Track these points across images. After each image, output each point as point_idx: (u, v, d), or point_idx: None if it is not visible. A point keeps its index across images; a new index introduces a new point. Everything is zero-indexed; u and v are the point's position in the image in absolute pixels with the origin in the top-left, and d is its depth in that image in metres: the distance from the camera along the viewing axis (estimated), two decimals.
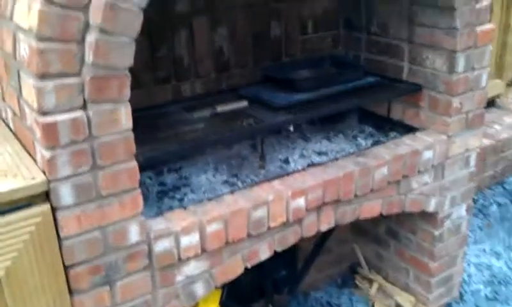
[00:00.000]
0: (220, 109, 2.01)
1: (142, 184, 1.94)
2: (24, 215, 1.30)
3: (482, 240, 3.14)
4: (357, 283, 2.77)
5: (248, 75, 2.29)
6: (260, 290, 2.39)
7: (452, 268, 2.52)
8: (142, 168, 1.97)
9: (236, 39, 2.23)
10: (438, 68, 2.12)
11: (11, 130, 1.62)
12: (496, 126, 3.75)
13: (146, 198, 1.86)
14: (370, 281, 2.73)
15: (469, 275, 2.82)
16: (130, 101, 1.80)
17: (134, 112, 1.83)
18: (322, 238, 2.42)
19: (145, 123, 1.85)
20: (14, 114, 1.53)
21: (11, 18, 1.40)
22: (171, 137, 1.76)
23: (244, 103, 2.06)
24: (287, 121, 1.95)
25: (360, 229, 2.75)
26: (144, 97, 2.04)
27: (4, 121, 1.70)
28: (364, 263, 2.79)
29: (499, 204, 3.47)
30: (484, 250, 3.04)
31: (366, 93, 2.20)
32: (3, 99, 1.64)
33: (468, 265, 2.91)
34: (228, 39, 2.21)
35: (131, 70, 1.98)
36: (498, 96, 4.01)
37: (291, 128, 2.03)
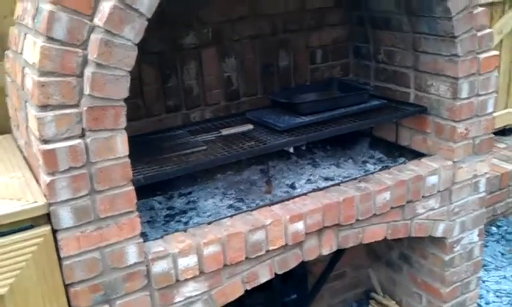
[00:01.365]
0: (225, 132, 2.09)
1: (151, 208, 2.06)
2: (27, 236, 1.40)
3: (504, 266, 3.09)
4: None
5: (257, 103, 2.37)
6: None
7: (465, 294, 2.50)
8: (151, 192, 2.11)
9: (244, 70, 2.32)
10: (442, 94, 2.15)
11: (24, 157, 1.74)
12: None
13: (153, 222, 1.97)
14: (384, 306, 2.73)
15: (487, 303, 2.78)
16: (143, 129, 1.91)
17: (141, 136, 1.94)
18: (332, 261, 2.45)
19: (150, 145, 1.98)
20: (25, 142, 1.65)
21: (21, 53, 1.54)
22: (173, 158, 1.84)
23: (249, 127, 2.13)
24: (287, 143, 1.99)
25: (375, 254, 2.76)
26: (156, 125, 2.15)
27: (19, 148, 1.83)
28: (379, 288, 2.80)
29: None
30: (505, 277, 2.99)
31: (370, 115, 2.22)
32: (18, 128, 1.77)
33: (487, 291, 2.87)
34: (237, 69, 2.30)
35: (143, 100, 2.12)
36: None
37: (291, 150, 2.08)
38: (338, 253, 2.49)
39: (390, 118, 2.25)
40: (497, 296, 2.83)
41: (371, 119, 2.20)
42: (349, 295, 2.82)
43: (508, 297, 2.82)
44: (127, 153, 1.49)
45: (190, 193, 2.20)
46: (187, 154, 1.87)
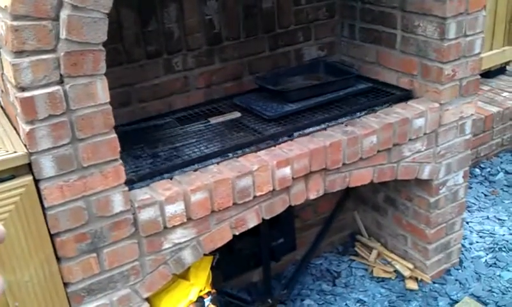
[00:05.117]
0: (213, 121, 2.09)
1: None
2: (8, 187, 1.37)
3: (487, 207, 3.13)
4: (357, 250, 2.81)
5: (240, 47, 2.31)
6: (257, 257, 2.45)
7: (450, 235, 2.54)
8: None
9: (227, 12, 2.24)
10: (430, 35, 2.11)
11: (1, 107, 1.69)
12: (505, 94, 3.70)
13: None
14: (370, 249, 2.76)
15: (471, 243, 2.83)
16: (124, 76, 1.87)
17: (127, 125, 1.97)
18: (338, 205, 2.50)
19: (140, 137, 2.00)
20: (1, 91, 1.59)
21: None
22: (167, 152, 1.91)
23: (237, 114, 2.14)
24: (278, 134, 1.98)
25: (360, 197, 2.78)
26: (137, 72, 2.09)
27: None
28: (364, 231, 2.83)
29: (506, 172, 3.45)
30: (488, 217, 3.04)
31: (357, 101, 2.23)
32: None
33: (471, 232, 2.92)
34: (219, 11, 2.22)
35: (123, 45, 2.05)
36: (508, 63, 3.94)
37: None
38: (344, 197, 2.52)
39: (379, 103, 2.21)
40: (480, 236, 2.88)
41: (359, 106, 2.19)
42: (335, 238, 2.85)
43: (491, 237, 2.88)
44: (107, 99, 1.44)
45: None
46: (180, 147, 1.92)
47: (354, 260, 2.77)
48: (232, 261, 2.30)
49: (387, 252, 2.71)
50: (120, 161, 1.53)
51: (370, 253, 2.74)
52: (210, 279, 1.94)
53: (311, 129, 2.02)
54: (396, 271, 2.64)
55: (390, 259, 2.68)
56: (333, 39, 2.59)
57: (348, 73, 2.33)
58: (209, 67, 2.26)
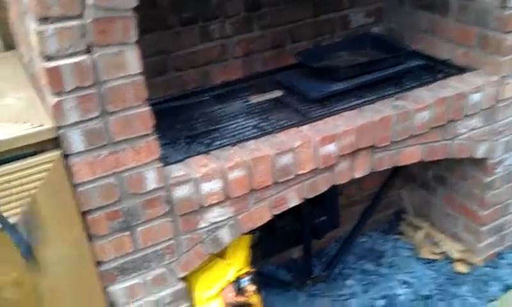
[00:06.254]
0: (254, 100, 1.96)
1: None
2: (35, 162, 1.29)
3: None
4: (402, 229, 2.67)
5: (280, 14, 2.17)
6: (298, 234, 2.35)
7: (504, 217, 2.36)
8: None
9: None
10: (490, 2, 1.92)
11: (28, 76, 1.61)
12: None
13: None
14: (416, 228, 2.62)
15: None
16: (159, 44, 1.76)
17: (164, 102, 1.88)
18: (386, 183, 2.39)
19: (176, 115, 1.92)
20: (28, 59, 1.52)
21: None
22: (204, 132, 1.81)
23: (278, 93, 1.99)
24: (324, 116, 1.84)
25: (408, 174, 2.62)
26: (171, 39, 1.98)
27: (24, 66, 1.69)
28: (411, 209, 2.68)
29: None
30: None
31: (407, 80, 2.04)
32: (21, 44, 1.63)
33: None
34: None
35: (156, 11, 1.94)
36: None
37: None
38: (392, 174, 2.39)
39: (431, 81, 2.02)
40: None
41: (412, 82, 2.01)
42: (379, 216, 2.71)
43: None
44: (139, 70, 1.34)
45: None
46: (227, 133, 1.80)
47: (399, 240, 2.63)
48: (271, 239, 2.21)
49: (435, 232, 2.56)
50: (154, 136, 1.44)
51: (416, 233, 2.60)
52: (249, 258, 1.86)
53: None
54: (444, 253, 2.49)
55: (438, 240, 2.53)
56: (381, 5, 2.41)
57: (399, 49, 2.14)
58: (247, 35, 2.14)
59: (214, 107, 1.99)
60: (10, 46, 1.88)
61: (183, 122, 1.89)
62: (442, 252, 2.50)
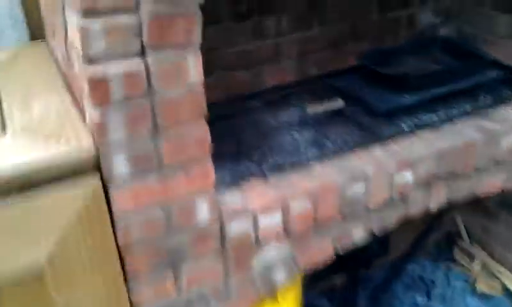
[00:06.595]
0: (311, 109, 1.67)
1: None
2: (69, 189, 1.03)
3: None
4: (456, 256, 2.41)
5: (342, 10, 1.90)
6: (342, 261, 2.10)
7: None
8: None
9: None
10: None
11: (61, 74, 1.35)
12: None
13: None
14: (471, 256, 2.36)
15: None
16: (207, 39, 1.49)
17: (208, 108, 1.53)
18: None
19: (223, 125, 1.60)
20: (63, 56, 1.25)
21: None
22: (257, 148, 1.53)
23: (339, 103, 1.70)
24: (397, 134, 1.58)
25: None
26: (223, 34, 1.72)
27: (55, 62, 1.43)
28: (465, 235, 2.42)
29: None
30: None
31: (483, 94, 1.75)
32: (54, 35, 1.37)
33: None
34: None
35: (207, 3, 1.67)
36: None
37: None
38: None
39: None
40: None
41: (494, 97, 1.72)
42: (428, 241, 2.45)
43: None
44: (201, 79, 1.08)
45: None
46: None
47: (451, 268, 2.37)
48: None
49: (493, 263, 2.30)
50: (210, 159, 1.17)
51: (472, 262, 2.34)
52: (301, 300, 1.60)
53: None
54: (504, 287, 2.23)
55: (496, 272, 2.27)
56: (450, 4, 2.13)
57: (476, 56, 1.86)
58: (305, 32, 1.87)
59: (263, 115, 1.73)
60: (37, 36, 1.62)
61: (228, 131, 1.63)
62: (501, 286, 2.24)
